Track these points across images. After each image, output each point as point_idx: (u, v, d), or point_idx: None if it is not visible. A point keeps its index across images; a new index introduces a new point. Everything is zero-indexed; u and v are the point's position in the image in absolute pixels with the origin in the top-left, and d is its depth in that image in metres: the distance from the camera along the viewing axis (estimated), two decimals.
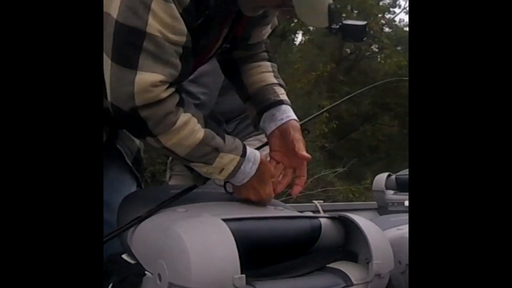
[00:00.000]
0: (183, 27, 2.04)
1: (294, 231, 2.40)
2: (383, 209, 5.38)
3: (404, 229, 3.24)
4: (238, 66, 2.56)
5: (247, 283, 1.99)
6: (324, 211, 2.84)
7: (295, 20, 24.44)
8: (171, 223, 2.07)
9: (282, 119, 2.45)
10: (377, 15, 31.35)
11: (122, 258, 2.13)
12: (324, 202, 6.14)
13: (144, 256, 2.08)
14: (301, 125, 2.50)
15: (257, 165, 2.28)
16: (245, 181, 2.29)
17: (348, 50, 30.74)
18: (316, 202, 5.76)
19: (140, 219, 2.14)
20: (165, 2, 1.97)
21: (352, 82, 27.53)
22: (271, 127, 2.46)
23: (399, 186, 5.48)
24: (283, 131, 2.44)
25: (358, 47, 30.63)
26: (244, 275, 1.96)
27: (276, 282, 2.20)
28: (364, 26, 3.46)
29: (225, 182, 2.36)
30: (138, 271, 2.07)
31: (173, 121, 2.08)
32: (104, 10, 2.02)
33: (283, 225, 2.40)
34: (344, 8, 28.85)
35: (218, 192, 2.45)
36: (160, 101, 2.04)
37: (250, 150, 2.30)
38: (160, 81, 2.01)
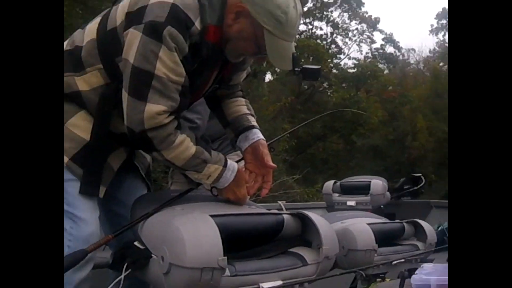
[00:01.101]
0: (182, 70, 2.10)
1: (264, 224, 2.45)
2: (330, 207, 5.41)
3: (346, 223, 3.29)
4: (220, 101, 2.61)
5: (228, 263, 2.03)
6: (287, 209, 2.88)
7: (265, 63, 24.55)
8: (171, 218, 2.10)
9: (253, 139, 2.49)
10: (327, 60, 31.56)
11: (134, 245, 2.14)
12: (286, 202, 6.15)
13: (150, 243, 2.11)
14: (269, 144, 2.55)
15: (235, 173, 2.34)
16: (226, 185, 2.33)
17: (306, 86, 30.91)
18: (280, 202, 5.79)
19: (147, 215, 2.18)
20: (170, 51, 2.03)
21: (308, 111, 27.69)
22: (245, 145, 2.50)
23: (343, 190, 5.52)
24: (254, 148, 2.48)
25: (313, 84, 30.83)
26: (226, 257, 1.99)
27: (250, 262, 2.24)
28: (319, 69, 3.56)
29: (212, 187, 2.39)
30: (146, 254, 2.10)
31: (173, 140, 2.14)
32: (123, 57, 2.09)
33: (256, 219, 2.44)
34: (302, 54, 29.01)
35: (206, 195, 2.48)
36: (163, 126, 2.10)
37: (230, 161, 2.35)
38: (163, 111, 2.07)
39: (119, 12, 2.18)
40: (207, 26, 2.13)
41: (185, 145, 2.18)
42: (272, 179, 2.58)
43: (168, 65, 2.06)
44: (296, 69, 2.41)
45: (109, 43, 2.20)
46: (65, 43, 2.36)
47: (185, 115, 2.88)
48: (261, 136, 2.53)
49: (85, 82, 2.25)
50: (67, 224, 2.21)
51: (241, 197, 2.40)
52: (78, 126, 2.27)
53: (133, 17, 2.10)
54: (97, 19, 2.33)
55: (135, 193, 2.51)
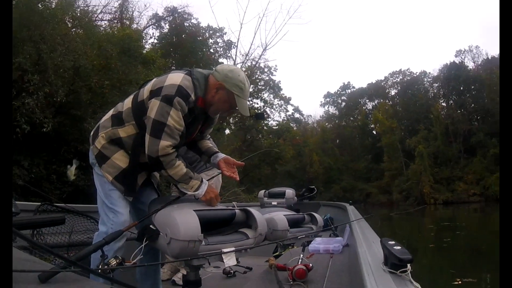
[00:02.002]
0: (183, 122, 2.17)
1: (224, 215, 2.46)
2: (262, 206, 5.42)
3: (272, 214, 3.29)
4: (196, 142, 2.62)
5: (204, 237, 2.06)
6: (238, 206, 2.90)
7: (225, 123, 24.51)
8: (171, 211, 2.11)
9: (222, 156, 2.52)
10: (259, 121, 31.76)
11: (150, 227, 2.13)
12: (236, 203, 6.13)
13: (160, 226, 2.10)
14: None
15: (206, 185, 2.34)
16: (202, 194, 2.31)
17: (249, 136, 30.87)
18: (234, 202, 5.75)
19: (158, 210, 2.18)
20: (176, 111, 2.13)
21: (250, 151, 27.66)
22: (218, 160, 2.51)
23: (269, 196, 5.52)
24: (225, 159, 2.50)
25: (252, 135, 30.86)
26: (202, 234, 2.02)
27: (216, 237, 2.25)
28: (263, 113, 3.70)
29: (194, 196, 2.36)
30: (157, 232, 2.09)
31: (174, 163, 2.20)
32: (147, 115, 2.18)
33: (220, 212, 2.45)
34: (247, 119, 29.14)
35: (191, 199, 2.48)
36: (169, 154, 2.17)
37: (204, 180, 2.36)
38: (170, 145, 2.15)
39: (145, 91, 2.25)
40: (198, 97, 2.23)
41: (180, 167, 2.23)
42: (229, 190, 2.62)
43: (175, 119, 2.13)
44: (252, 114, 2.55)
45: (139, 109, 2.25)
46: (111, 111, 2.43)
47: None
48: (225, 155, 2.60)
49: (124, 131, 2.30)
50: (110, 214, 2.25)
51: (209, 199, 2.35)
52: (119, 159, 2.31)
53: (155, 93, 2.18)
54: (131, 96, 2.38)
55: (151, 197, 2.50)
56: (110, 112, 2.43)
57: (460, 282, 7.78)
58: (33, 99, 9.14)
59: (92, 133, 2.45)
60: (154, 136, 2.15)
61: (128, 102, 2.36)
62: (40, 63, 9.73)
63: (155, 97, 2.17)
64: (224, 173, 2.51)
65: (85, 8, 14.93)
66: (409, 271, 1.29)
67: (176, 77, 2.21)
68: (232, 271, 3.52)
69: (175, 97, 2.14)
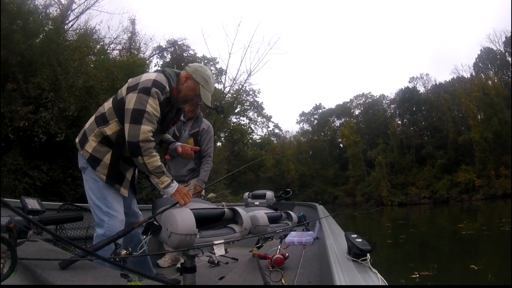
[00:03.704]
0: (159, 110, 2.13)
1: (215, 213, 2.48)
2: (246, 205, 5.40)
3: (254, 212, 3.31)
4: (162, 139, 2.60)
5: (198, 232, 2.07)
6: (226, 206, 2.90)
7: (216, 137, 24.36)
8: (171, 210, 2.12)
9: (178, 143, 2.60)
10: (247, 135, 31.73)
11: (154, 223, 2.14)
12: (225, 203, 6.10)
13: (162, 222, 2.11)
14: (220, 180, 2.63)
15: (176, 187, 2.18)
16: (171, 192, 2.17)
17: (236, 148, 30.76)
18: (223, 203, 5.73)
19: (161, 211, 2.16)
20: (154, 99, 2.08)
21: (237, 160, 27.59)
22: (176, 145, 2.59)
23: (253, 197, 5.50)
24: (181, 145, 2.58)
25: (239, 147, 30.78)
26: (197, 229, 2.04)
27: (209, 231, 2.27)
28: (222, 107, 3.71)
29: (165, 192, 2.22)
30: (160, 227, 2.11)
31: (152, 151, 2.08)
32: (126, 107, 2.08)
33: (211, 211, 2.47)
34: (235, 133, 29.05)
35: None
36: (150, 141, 2.06)
37: (175, 181, 2.19)
38: (150, 130, 2.07)
39: (123, 90, 2.20)
40: (173, 88, 2.23)
41: (156, 158, 2.09)
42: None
43: (153, 106, 2.07)
44: (213, 106, 2.58)
45: (120, 106, 2.17)
46: (93, 115, 2.31)
47: None
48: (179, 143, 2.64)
49: (110, 129, 2.19)
50: (105, 218, 2.14)
51: (179, 200, 2.19)
52: (109, 159, 2.20)
53: (131, 88, 2.14)
54: (110, 98, 2.30)
55: (132, 200, 2.45)
56: (93, 117, 2.31)
57: (417, 275, 7.69)
58: (49, 113, 9.16)
59: (78, 139, 2.32)
60: (134, 122, 2.04)
61: (108, 103, 2.27)
62: (56, 83, 9.73)
63: (132, 92, 2.11)
64: (178, 150, 2.57)
65: (97, 39, 14.91)
66: (368, 260, 1.29)
67: (150, 75, 2.20)
68: (216, 261, 3.51)
69: (151, 88, 2.09)
